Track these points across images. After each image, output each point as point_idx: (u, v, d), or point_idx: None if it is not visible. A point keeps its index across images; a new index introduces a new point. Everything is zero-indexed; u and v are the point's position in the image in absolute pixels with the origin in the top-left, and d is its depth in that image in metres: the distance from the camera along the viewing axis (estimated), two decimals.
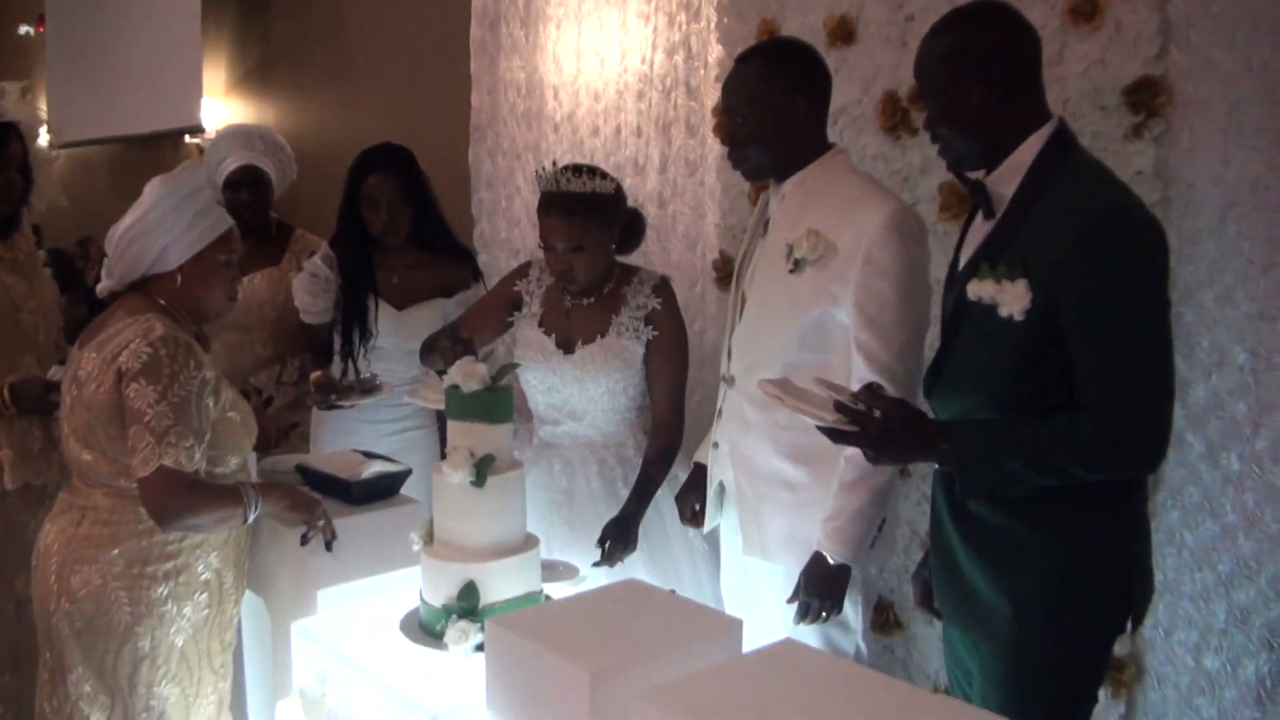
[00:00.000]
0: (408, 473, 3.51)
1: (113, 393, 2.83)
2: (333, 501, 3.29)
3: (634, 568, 3.33)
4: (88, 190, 8.85)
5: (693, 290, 4.44)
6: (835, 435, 2.38)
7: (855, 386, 2.49)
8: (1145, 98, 3.11)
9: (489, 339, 3.70)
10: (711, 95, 4.31)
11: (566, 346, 3.49)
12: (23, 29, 10.84)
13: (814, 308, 2.84)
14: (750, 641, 2.34)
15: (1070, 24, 3.22)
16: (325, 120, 7.16)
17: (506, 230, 5.44)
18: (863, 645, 2.99)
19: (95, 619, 2.88)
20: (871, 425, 2.33)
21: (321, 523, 3.09)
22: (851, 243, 2.77)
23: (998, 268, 2.34)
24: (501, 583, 2.69)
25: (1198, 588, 3.16)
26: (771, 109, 2.87)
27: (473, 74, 5.50)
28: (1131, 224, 2.27)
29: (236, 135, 4.62)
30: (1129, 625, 2.46)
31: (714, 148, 4.32)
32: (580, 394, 3.48)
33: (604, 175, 3.38)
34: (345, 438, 4.07)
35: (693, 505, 3.32)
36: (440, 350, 3.35)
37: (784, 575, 2.96)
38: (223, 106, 8.10)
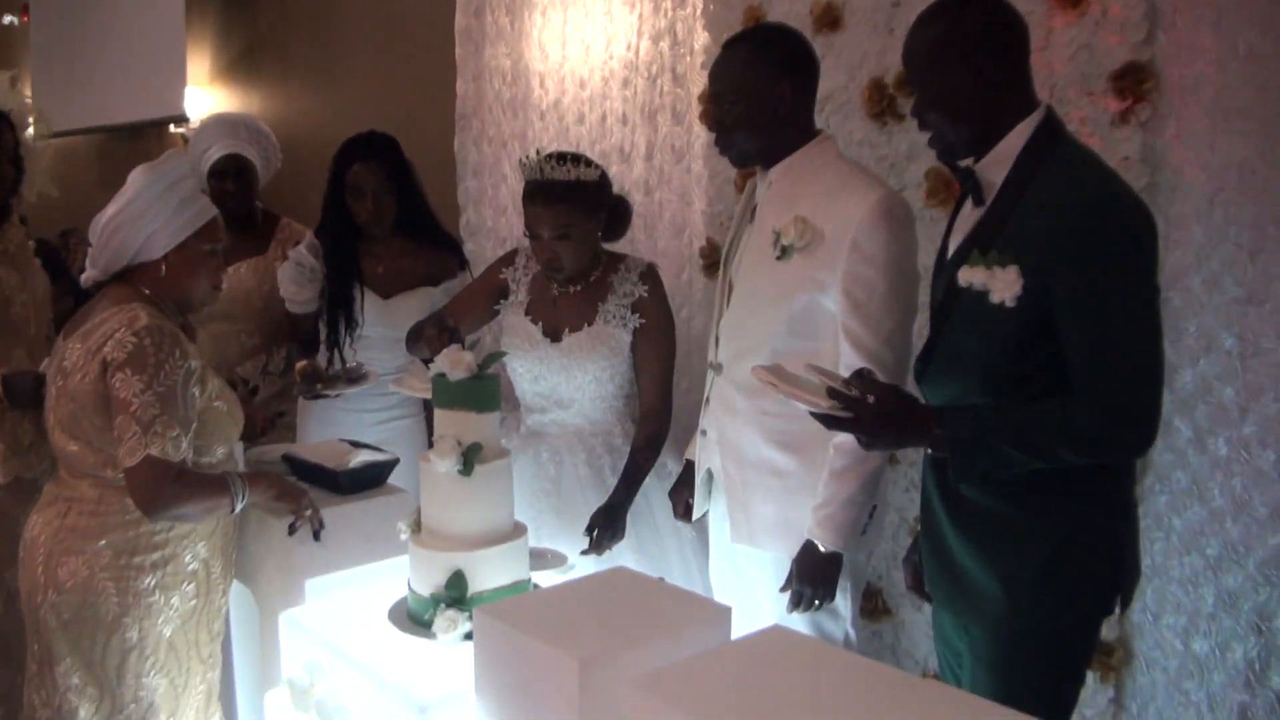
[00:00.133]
0: (395, 462, 3.50)
1: (98, 383, 2.82)
2: (320, 491, 3.28)
3: (622, 556, 3.33)
4: (72, 180, 8.81)
5: (680, 278, 4.43)
6: (829, 421, 2.38)
7: (844, 373, 2.50)
8: (1132, 83, 3.11)
9: (475, 327, 3.69)
10: (698, 82, 4.30)
11: (553, 335, 3.48)
12: (7, 18, 10.78)
13: (801, 295, 2.83)
14: (739, 628, 2.33)
15: (1056, 9, 3.22)
16: (310, 108, 7.14)
17: (493, 219, 5.43)
18: (851, 631, 3.00)
19: (83, 610, 2.87)
20: (865, 411, 2.34)
21: (309, 512, 3.08)
22: (839, 229, 2.77)
23: (988, 254, 2.35)
24: (489, 571, 2.68)
25: (1186, 572, 3.16)
26: (758, 95, 2.86)
27: (458, 61, 5.48)
28: (1121, 210, 2.28)
29: (221, 124, 4.60)
30: (1118, 606, 2.48)
31: (700, 135, 4.32)
32: (567, 382, 3.47)
33: (588, 162, 3.37)
34: (332, 427, 4.06)
35: (685, 501, 3.32)
36: (426, 339, 3.34)
37: (772, 562, 2.97)
38: (207, 95, 8.07)
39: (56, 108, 8.46)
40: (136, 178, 2.92)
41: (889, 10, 3.64)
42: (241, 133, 4.51)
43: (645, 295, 3.45)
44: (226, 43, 7.99)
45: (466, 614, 2.59)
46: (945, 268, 2.54)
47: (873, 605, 3.84)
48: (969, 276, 2.38)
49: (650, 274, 3.50)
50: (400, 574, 2.85)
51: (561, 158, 3.33)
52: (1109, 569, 2.44)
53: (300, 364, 3.95)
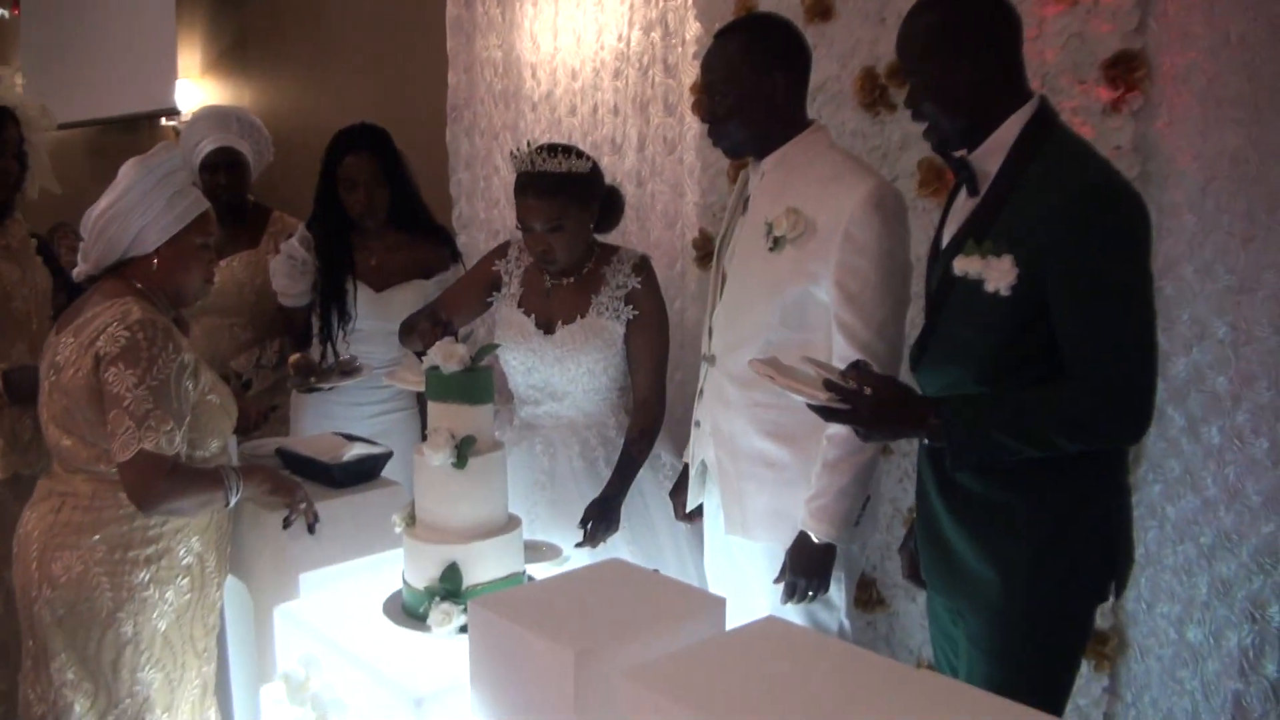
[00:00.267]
0: (389, 455, 3.50)
1: (91, 377, 2.81)
2: (314, 484, 3.28)
3: (617, 548, 3.33)
4: (63, 174, 8.79)
5: (673, 269, 4.43)
6: (826, 413, 2.40)
7: (837, 364, 2.50)
8: (1124, 72, 3.11)
9: (468, 320, 3.69)
10: (690, 72, 4.29)
11: (547, 327, 3.47)
12: None
13: (793, 286, 2.83)
14: (734, 619, 2.34)
15: None
16: (302, 101, 7.13)
17: (485, 211, 5.42)
18: (846, 622, 3.00)
19: (77, 605, 2.86)
20: (862, 403, 2.35)
21: (303, 506, 3.08)
22: (831, 220, 2.77)
23: (983, 244, 2.36)
24: (484, 564, 2.68)
25: (1180, 560, 3.17)
26: (751, 85, 2.86)
27: (449, 53, 5.48)
28: (1115, 199, 2.30)
29: (212, 117, 4.59)
30: (1112, 592, 2.49)
31: (692, 125, 4.31)
32: (561, 374, 3.47)
33: (580, 154, 3.36)
34: (325, 420, 4.06)
35: (685, 502, 3.32)
36: (420, 332, 3.34)
37: (766, 553, 2.97)
38: (198, 88, 8.06)
39: (47, 101, 8.44)
40: (128, 171, 2.92)
41: (880, 0, 3.64)
42: (233, 126, 4.50)
43: (638, 287, 3.45)
44: (217, 35, 7.98)
45: (461, 607, 2.59)
46: (940, 257, 2.55)
47: (867, 596, 3.85)
48: (964, 266, 2.40)
49: (643, 266, 3.50)
50: (395, 567, 2.85)
51: (553, 150, 3.32)
52: (1103, 554, 2.46)
53: (293, 357, 3.94)
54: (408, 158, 4.16)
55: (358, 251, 4.11)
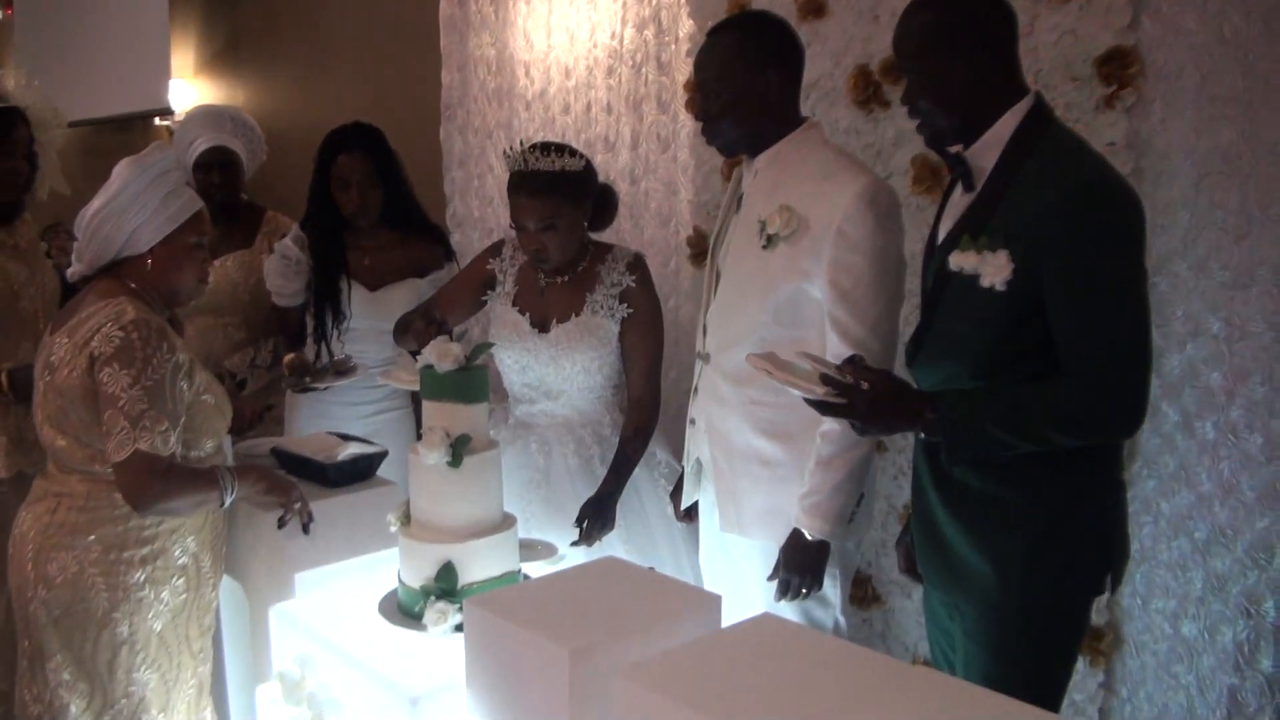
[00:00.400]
0: (384, 454, 3.49)
1: (85, 378, 2.81)
2: (309, 484, 3.27)
3: (612, 546, 3.33)
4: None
5: (667, 267, 4.43)
6: (823, 408, 2.41)
7: (832, 362, 2.51)
8: (1117, 68, 3.11)
9: (463, 318, 3.68)
10: (683, 70, 4.29)
11: (541, 325, 3.47)
12: None
13: (787, 283, 2.83)
14: (729, 617, 2.34)
15: None
16: (295, 100, 7.13)
17: (479, 209, 5.42)
18: (841, 619, 3.00)
19: (73, 606, 2.86)
20: (859, 397, 2.36)
21: (298, 506, 3.07)
22: (824, 218, 2.77)
23: (979, 239, 2.37)
24: (479, 563, 2.68)
25: (1175, 556, 3.17)
26: (744, 83, 2.86)
27: (442, 51, 5.48)
28: (1111, 196, 2.31)
29: (206, 116, 4.59)
30: (1109, 585, 2.50)
31: (686, 123, 4.31)
32: (556, 373, 3.46)
33: (572, 152, 3.36)
34: (320, 420, 4.06)
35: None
36: (414, 331, 3.34)
37: (761, 551, 2.97)
38: (191, 88, 8.05)
39: None
40: (122, 171, 2.92)
41: None
42: (226, 125, 4.50)
43: (633, 285, 3.44)
44: (211, 35, 7.97)
45: (457, 606, 2.60)
46: (936, 253, 2.56)
47: (862, 593, 3.85)
48: (960, 261, 2.41)
49: (638, 264, 3.50)
50: (390, 566, 2.85)
51: (545, 148, 3.32)
52: (1099, 548, 2.47)
53: (288, 357, 3.94)
54: (401, 156, 4.16)
55: (352, 251, 4.11)
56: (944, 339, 2.50)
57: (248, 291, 4.40)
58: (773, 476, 2.94)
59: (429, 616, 2.62)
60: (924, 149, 3.02)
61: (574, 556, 3.15)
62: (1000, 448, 2.35)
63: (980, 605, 2.50)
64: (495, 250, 3.65)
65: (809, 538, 2.82)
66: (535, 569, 2.95)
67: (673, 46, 4.39)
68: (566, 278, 3.47)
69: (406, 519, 2.78)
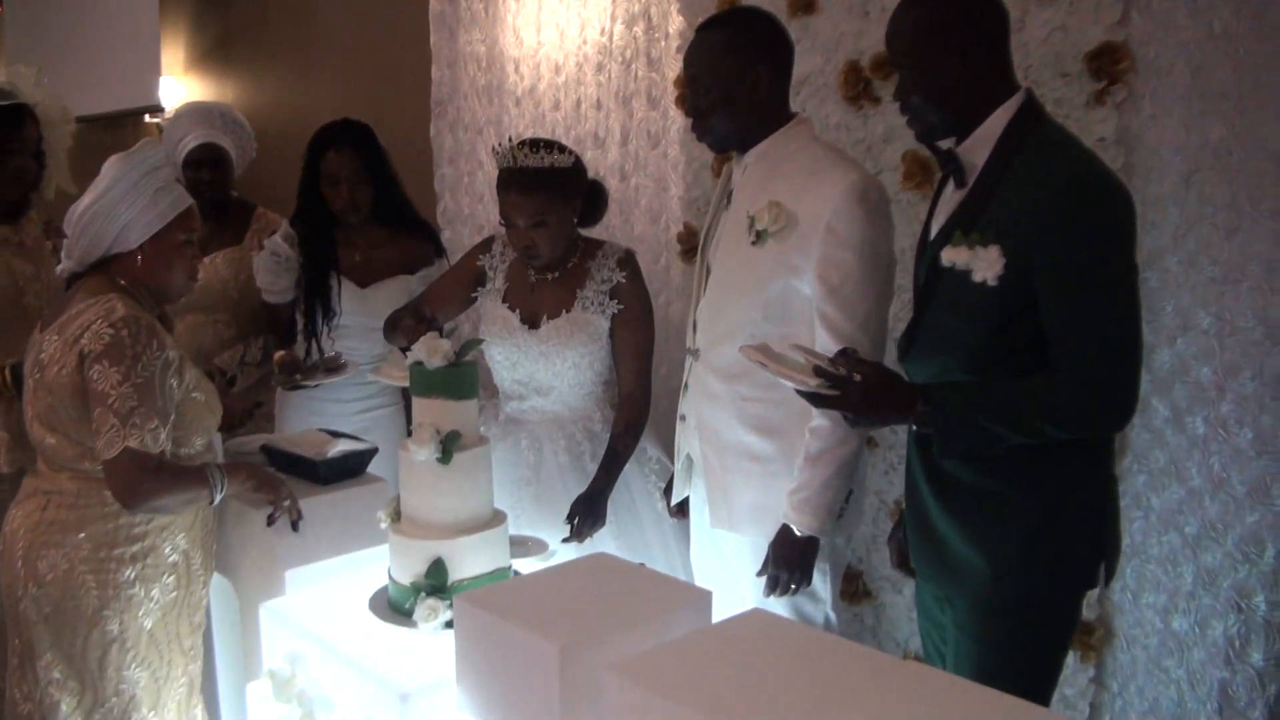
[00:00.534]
0: (374, 451, 3.49)
1: (75, 375, 2.80)
2: (299, 481, 3.27)
3: (603, 542, 3.33)
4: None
5: (657, 263, 4.43)
6: (816, 399, 2.43)
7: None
8: (1107, 64, 3.12)
9: (453, 315, 3.68)
10: (673, 66, 4.28)
11: (531, 322, 3.47)
12: None
13: (776, 280, 2.83)
14: (720, 612, 2.34)
15: None
16: (285, 97, 7.12)
17: (470, 206, 5.42)
18: (831, 614, 3.00)
19: (63, 603, 2.86)
20: (851, 389, 2.38)
21: (287, 503, 3.07)
22: (813, 213, 2.77)
23: (971, 235, 2.39)
24: (470, 559, 2.68)
25: (1165, 550, 3.18)
26: (734, 79, 2.85)
27: (432, 47, 5.47)
28: (1102, 191, 2.32)
29: (196, 113, 4.58)
30: (1102, 578, 2.51)
31: (676, 120, 4.31)
32: (546, 369, 3.46)
33: (562, 149, 3.35)
34: (310, 417, 4.06)
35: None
36: (404, 328, 3.34)
37: (752, 547, 2.97)
38: (181, 85, 8.04)
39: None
40: (111, 167, 2.91)
41: None
42: (216, 122, 4.49)
43: (623, 281, 3.44)
44: (201, 31, 7.96)
45: (447, 602, 2.59)
46: (928, 248, 2.57)
47: (853, 588, 3.85)
48: (952, 256, 2.42)
49: (628, 260, 3.49)
50: (380, 563, 2.85)
51: (534, 145, 3.31)
52: (1092, 540, 2.49)
53: (278, 354, 3.93)
54: (391, 153, 4.15)
55: (342, 247, 4.10)
56: (936, 334, 2.52)
57: (238, 288, 4.40)
58: (763, 472, 2.94)
59: (419, 613, 2.62)
60: (914, 145, 3.02)
61: (565, 553, 3.14)
62: (992, 440, 2.36)
63: (973, 598, 2.51)
64: (485, 246, 3.64)
65: (798, 533, 2.82)
66: (526, 565, 2.95)
67: (662, 42, 4.38)
68: (557, 274, 3.46)
69: (397, 516, 2.78)
